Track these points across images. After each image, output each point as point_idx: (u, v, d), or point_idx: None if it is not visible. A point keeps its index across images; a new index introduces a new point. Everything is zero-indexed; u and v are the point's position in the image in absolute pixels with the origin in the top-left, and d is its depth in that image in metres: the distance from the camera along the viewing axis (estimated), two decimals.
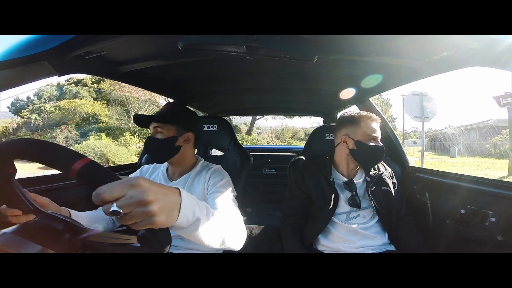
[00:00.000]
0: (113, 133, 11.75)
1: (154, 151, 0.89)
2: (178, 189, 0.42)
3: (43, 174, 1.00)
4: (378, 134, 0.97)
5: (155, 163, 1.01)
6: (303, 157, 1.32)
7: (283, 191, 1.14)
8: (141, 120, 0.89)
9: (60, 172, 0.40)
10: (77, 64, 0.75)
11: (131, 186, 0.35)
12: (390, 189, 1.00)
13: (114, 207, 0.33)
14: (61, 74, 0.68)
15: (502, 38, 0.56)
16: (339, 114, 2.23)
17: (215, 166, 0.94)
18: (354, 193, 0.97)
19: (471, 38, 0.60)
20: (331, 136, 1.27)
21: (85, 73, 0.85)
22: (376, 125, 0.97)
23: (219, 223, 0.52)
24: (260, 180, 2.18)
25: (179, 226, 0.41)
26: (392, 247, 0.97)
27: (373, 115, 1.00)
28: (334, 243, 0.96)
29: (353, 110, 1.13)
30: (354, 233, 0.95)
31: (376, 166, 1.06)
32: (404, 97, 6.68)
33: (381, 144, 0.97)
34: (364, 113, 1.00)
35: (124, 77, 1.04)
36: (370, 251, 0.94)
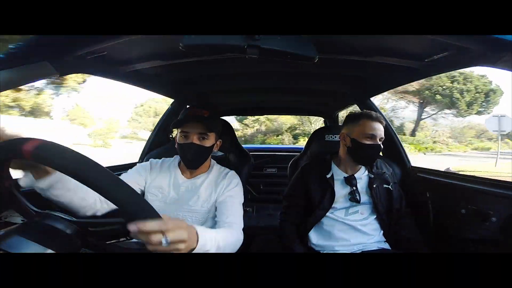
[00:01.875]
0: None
1: (196, 158, 0.86)
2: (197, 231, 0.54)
3: None
4: (377, 133, 0.95)
5: (163, 158, 0.99)
6: (303, 157, 1.32)
7: (284, 191, 1.15)
8: (181, 123, 0.86)
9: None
10: (78, 64, 0.75)
11: (180, 227, 0.45)
12: (392, 188, 1.01)
13: (164, 240, 0.41)
14: (62, 74, 0.68)
15: (502, 38, 0.56)
16: (340, 113, 2.23)
17: (230, 173, 0.95)
18: (354, 188, 0.98)
19: (471, 38, 0.60)
20: (331, 137, 1.28)
21: (86, 73, 0.86)
22: (375, 124, 0.96)
23: (222, 245, 0.65)
24: (260, 180, 2.18)
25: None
26: (386, 245, 0.97)
27: (374, 114, 0.99)
28: (331, 240, 0.97)
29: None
30: (351, 229, 0.96)
31: (379, 165, 1.06)
32: (486, 119, 11.22)
33: (378, 143, 0.96)
34: (365, 112, 1.00)
35: (124, 77, 1.05)
36: (361, 248, 0.94)
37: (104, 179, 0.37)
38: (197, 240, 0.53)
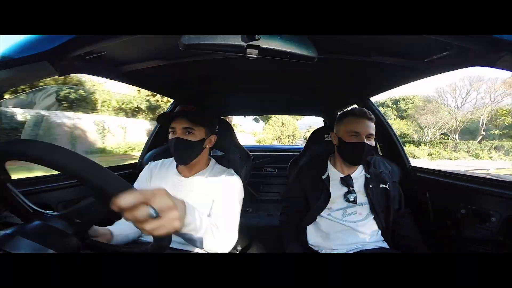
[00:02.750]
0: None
1: (183, 153, 0.86)
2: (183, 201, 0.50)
3: (43, 175, 1.00)
4: (362, 130, 0.92)
5: (163, 159, 1.01)
6: (303, 157, 1.32)
7: (283, 191, 1.15)
8: (168, 119, 0.87)
9: (59, 172, 0.40)
10: (77, 64, 0.75)
11: (159, 194, 0.39)
12: (389, 187, 1.00)
13: (151, 210, 0.37)
14: (61, 74, 0.68)
15: (502, 38, 0.56)
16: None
17: (228, 170, 0.96)
18: (350, 188, 0.97)
19: (471, 38, 0.60)
20: (330, 137, 1.28)
21: (86, 73, 0.85)
22: (359, 121, 0.93)
23: (210, 233, 0.66)
24: (260, 180, 2.18)
25: (181, 232, 0.52)
26: (384, 244, 0.97)
27: (359, 110, 0.96)
28: (329, 240, 0.97)
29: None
30: (349, 230, 0.96)
31: (377, 164, 1.06)
32: None
33: (364, 141, 0.92)
34: (351, 109, 0.99)
35: (124, 77, 1.04)
36: (359, 246, 0.94)
37: (70, 160, 0.37)
38: (185, 210, 0.49)
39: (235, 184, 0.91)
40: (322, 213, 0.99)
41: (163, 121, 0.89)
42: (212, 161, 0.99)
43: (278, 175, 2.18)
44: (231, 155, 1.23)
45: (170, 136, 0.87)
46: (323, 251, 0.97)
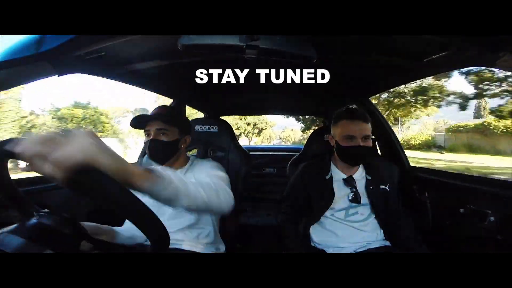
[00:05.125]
0: None
1: (159, 154, 0.88)
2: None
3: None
4: (357, 133, 0.91)
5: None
6: (303, 157, 1.32)
7: (283, 191, 1.15)
8: (142, 122, 0.88)
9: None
10: (77, 64, 0.75)
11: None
12: (389, 189, 1.01)
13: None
14: (61, 74, 0.68)
15: (502, 38, 0.56)
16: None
17: (209, 160, 0.98)
18: (354, 189, 0.98)
19: (470, 38, 0.61)
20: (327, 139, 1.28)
21: (85, 73, 0.85)
22: (353, 124, 0.92)
23: (192, 184, 0.51)
24: (260, 180, 2.18)
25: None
26: (387, 243, 0.97)
27: (351, 112, 0.95)
28: (336, 239, 0.97)
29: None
30: (352, 230, 0.96)
31: (376, 166, 1.06)
32: None
33: (360, 144, 0.91)
34: (345, 111, 0.98)
35: (124, 77, 1.05)
36: (365, 245, 0.94)
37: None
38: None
39: (216, 165, 0.91)
40: (325, 213, 0.99)
41: (137, 125, 0.89)
42: (192, 157, 1.00)
43: (278, 174, 2.18)
44: (230, 156, 1.23)
45: (145, 139, 0.88)
46: (330, 250, 0.97)
